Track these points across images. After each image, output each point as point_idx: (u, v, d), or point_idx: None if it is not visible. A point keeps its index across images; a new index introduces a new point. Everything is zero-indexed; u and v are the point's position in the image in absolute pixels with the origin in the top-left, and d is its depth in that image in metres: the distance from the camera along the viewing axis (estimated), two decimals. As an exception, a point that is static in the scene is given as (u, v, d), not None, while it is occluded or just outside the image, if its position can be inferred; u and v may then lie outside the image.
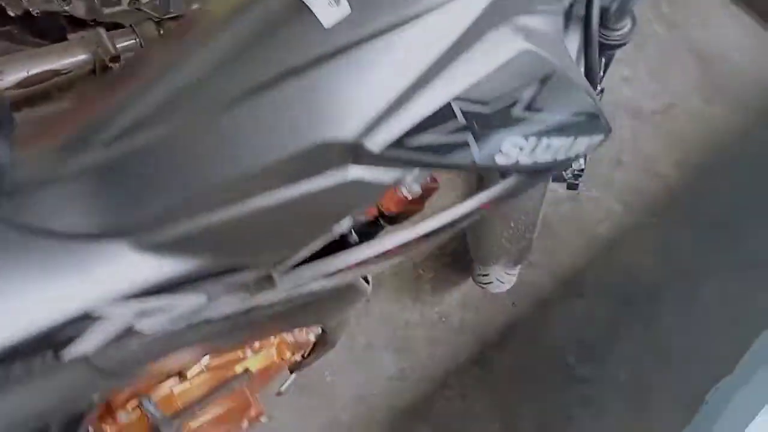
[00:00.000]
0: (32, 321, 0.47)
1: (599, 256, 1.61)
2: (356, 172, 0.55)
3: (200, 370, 0.74)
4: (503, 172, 0.70)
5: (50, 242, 0.48)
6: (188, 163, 0.51)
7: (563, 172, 1.10)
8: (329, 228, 0.59)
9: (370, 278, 1.00)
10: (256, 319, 0.68)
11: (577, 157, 0.74)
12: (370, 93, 0.51)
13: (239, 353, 0.80)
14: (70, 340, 0.50)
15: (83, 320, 0.49)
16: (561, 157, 0.70)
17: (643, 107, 1.88)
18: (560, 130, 0.65)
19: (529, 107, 0.59)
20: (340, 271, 0.67)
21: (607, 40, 0.88)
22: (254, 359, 0.82)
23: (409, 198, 0.74)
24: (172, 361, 0.64)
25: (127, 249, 0.51)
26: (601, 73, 0.99)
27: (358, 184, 0.55)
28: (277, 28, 0.51)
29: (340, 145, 0.52)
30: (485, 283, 1.26)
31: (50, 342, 0.49)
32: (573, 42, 0.77)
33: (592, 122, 0.69)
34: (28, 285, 0.47)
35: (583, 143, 0.71)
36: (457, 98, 0.54)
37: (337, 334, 1.01)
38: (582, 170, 1.12)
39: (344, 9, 0.50)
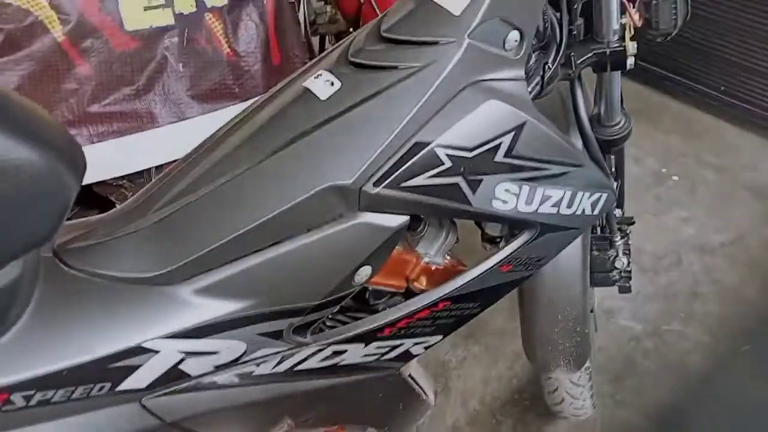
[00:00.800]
0: (94, 348, 0.56)
1: (696, 389, 1.48)
2: (363, 216, 0.64)
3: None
4: (512, 225, 0.76)
5: (112, 286, 0.59)
6: (219, 216, 0.63)
7: (610, 276, 1.13)
8: (349, 273, 0.66)
9: (431, 394, 1.00)
10: (300, 389, 0.72)
11: (588, 217, 0.79)
12: (361, 145, 0.63)
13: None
14: (125, 377, 0.58)
15: (136, 354, 0.57)
16: (565, 211, 0.76)
17: (710, 242, 1.87)
18: (551, 179, 0.72)
19: (510, 154, 0.68)
20: (372, 334, 0.72)
21: (607, 136, 0.99)
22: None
23: (432, 269, 0.81)
24: None
25: (174, 293, 0.60)
26: (614, 168, 1.08)
27: (367, 227, 0.64)
28: (288, 108, 0.67)
29: (343, 190, 0.62)
30: (557, 403, 1.19)
31: (108, 375, 0.56)
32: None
33: (584, 176, 0.76)
34: (94, 320, 0.57)
35: (585, 199, 0.78)
36: (440, 145, 0.65)
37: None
38: (629, 271, 1.14)
39: (337, 86, 0.65)
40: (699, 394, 1.47)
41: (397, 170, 0.64)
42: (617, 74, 0.94)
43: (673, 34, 0.85)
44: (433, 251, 0.80)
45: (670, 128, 2.35)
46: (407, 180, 0.64)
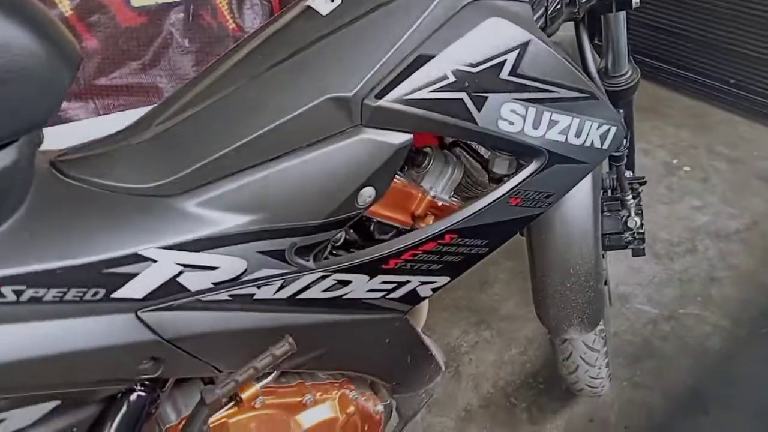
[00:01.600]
0: (89, 251, 0.54)
1: (715, 371, 1.43)
2: (366, 132, 0.62)
3: (257, 401, 0.73)
4: (520, 153, 0.74)
5: (110, 195, 0.58)
6: (219, 128, 0.61)
7: (622, 237, 1.10)
8: (352, 193, 0.64)
9: (441, 360, 0.97)
10: (302, 322, 0.69)
11: (598, 150, 0.77)
12: (363, 57, 0.62)
13: (297, 398, 0.78)
14: (120, 285, 0.55)
15: (133, 261, 0.55)
16: (574, 140, 0.74)
17: (725, 228, 1.84)
18: (557, 103, 0.71)
19: (515, 72, 0.67)
20: (376, 265, 0.70)
21: (615, 87, 0.98)
22: (313, 411, 0.79)
23: (439, 204, 0.79)
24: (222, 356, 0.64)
25: (174, 205, 0.59)
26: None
27: (369, 143, 0.63)
28: (289, 24, 0.66)
29: (344, 102, 0.61)
30: (571, 371, 1.15)
31: (102, 280, 0.54)
32: None
33: (592, 104, 0.74)
34: (90, 225, 0.55)
35: (594, 130, 0.76)
36: (443, 59, 0.63)
37: (407, 413, 0.94)
38: (642, 233, 1.11)
39: (337, 1, 0.64)
40: (719, 375, 1.42)
41: (400, 83, 0.62)
42: (623, 18, 0.93)
43: None
44: (439, 187, 0.78)
45: (679, 122, 2.33)
46: (410, 93, 0.63)
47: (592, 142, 0.77)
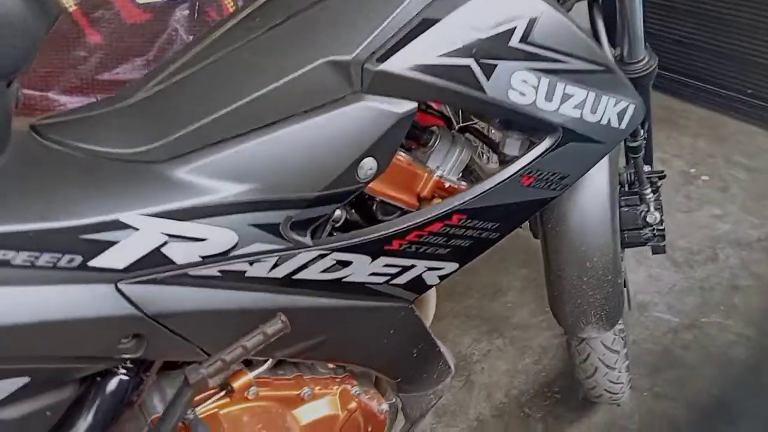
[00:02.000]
0: (65, 214, 0.50)
1: (741, 381, 1.36)
2: (367, 99, 0.59)
3: (250, 391, 0.68)
4: (533, 129, 0.70)
5: (92, 160, 0.54)
6: (210, 91, 0.58)
7: (641, 233, 1.05)
8: (351, 164, 0.60)
9: (451, 361, 0.92)
10: (300, 305, 0.65)
11: (615, 130, 0.73)
12: (364, 19, 0.58)
13: (295, 391, 0.73)
14: (98, 252, 0.51)
15: (112, 228, 0.51)
16: (589, 117, 0.70)
17: (746, 237, 1.77)
18: (571, 75, 0.67)
19: (526, 40, 0.63)
20: (379, 246, 0.66)
21: (632, 74, 0.94)
22: (311, 406, 0.74)
23: (446, 185, 0.75)
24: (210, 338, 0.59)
25: (160, 171, 0.55)
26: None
27: (370, 111, 0.59)
28: None
29: (343, 66, 0.57)
30: (589, 375, 1.08)
31: (78, 246, 0.50)
32: None
33: (608, 78, 0.70)
34: (68, 188, 0.52)
35: (610, 107, 0.71)
36: (448, 22, 0.60)
37: (414, 414, 0.89)
38: (662, 230, 1.06)
39: None
40: (745, 385, 1.34)
41: (403, 46, 0.59)
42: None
43: None
44: (446, 167, 0.74)
45: (696, 132, 2.28)
46: (414, 58, 0.59)
47: (609, 120, 0.73)
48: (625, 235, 1.04)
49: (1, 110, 0.47)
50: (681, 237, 1.79)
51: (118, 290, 0.53)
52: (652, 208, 1.03)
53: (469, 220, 0.70)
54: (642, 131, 0.99)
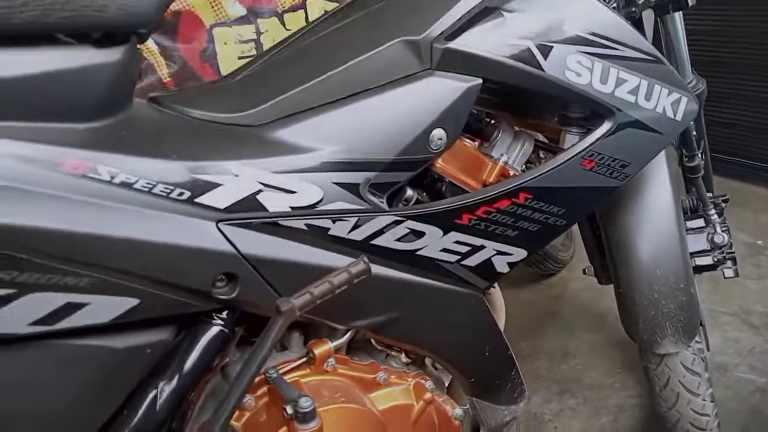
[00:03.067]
0: (180, 156, 0.56)
1: None
2: (436, 74, 0.66)
3: (329, 363, 0.69)
4: (591, 110, 0.74)
5: (200, 122, 0.62)
6: (299, 68, 0.67)
7: (712, 258, 1.04)
8: (422, 132, 0.65)
9: (526, 387, 0.89)
10: (376, 273, 0.67)
11: (671, 121, 0.77)
12: (434, 6, 0.67)
13: (371, 375, 0.73)
14: (204, 191, 0.57)
15: (217, 172, 0.57)
16: (644, 103, 0.75)
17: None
18: (623, 61, 0.72)
19: (578, 27, 0.70)
20: (449, 218, 0.69)
21: None
22: (387, 392, 0.74)
23: (510, 173, 0.79)
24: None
25: (256, 132, 0.62)
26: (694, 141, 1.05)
27: (439, 84, 0.66)
28: None
29: (414, 44, 0.65)
30: (671, 406, 1.01)
31: (188, 183, 0.56)
32: None
33: (659, 68, 0.75)
34: (180, 138, 0.59)
35: (664, 97, 0.76)
36: (508, 8, 0.68)
37: (490, 422, 0.85)
38: (732, 253, 1.05)
39: None
40: None
41: (468, 29, 0.67)
42: (680, 20, 0.96)
43: None
44: (512, 155, 0.79)
45: (757, 208, 2.25)
46: (477, 38, 0.67)
47: (664, 110, 0.77)
48: (695, 259, 1.03)
49: (130, 66, 0.56)
50: (756, 302, 1.72)
51: (218, 228, 0.58)
52: (718, 230, 1.03)
53: (535, 201, 0.73)
54: (698, 150, 1.02)
